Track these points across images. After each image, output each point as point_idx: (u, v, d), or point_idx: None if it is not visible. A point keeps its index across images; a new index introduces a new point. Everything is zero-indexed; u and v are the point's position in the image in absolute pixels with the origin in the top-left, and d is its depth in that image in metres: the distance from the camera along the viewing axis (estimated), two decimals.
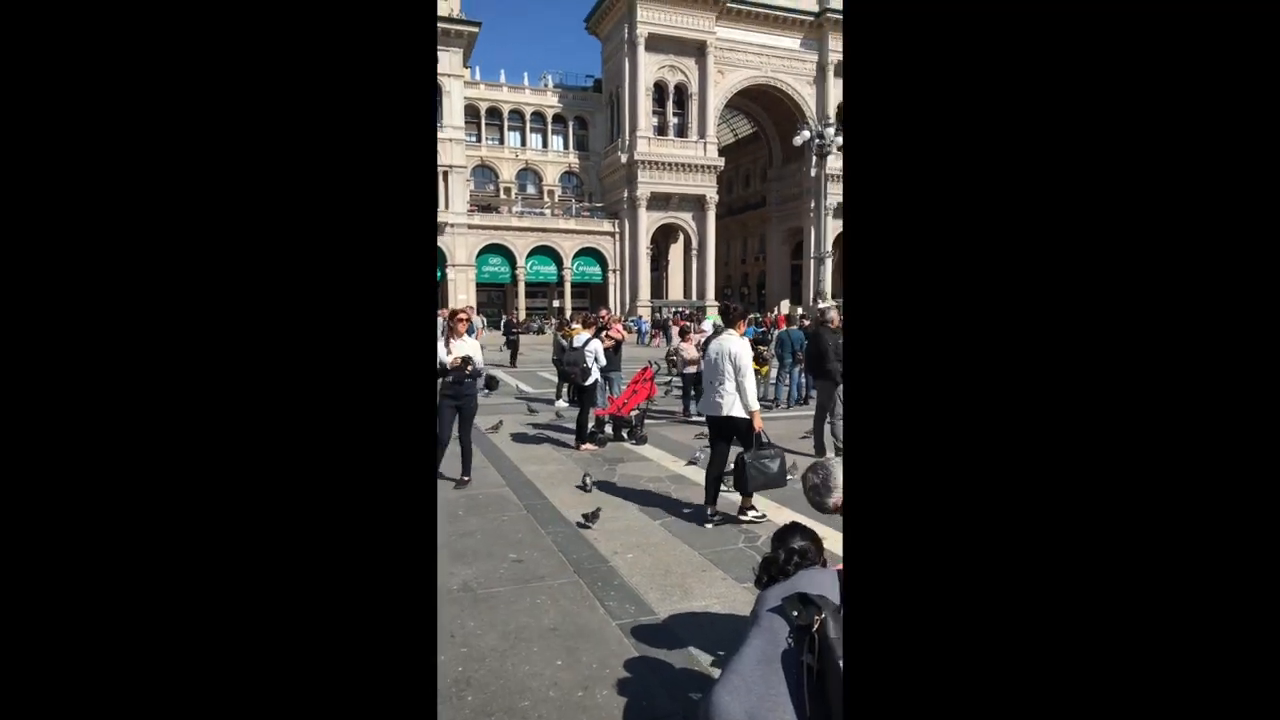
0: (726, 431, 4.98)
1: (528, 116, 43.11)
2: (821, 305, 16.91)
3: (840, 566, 1.97)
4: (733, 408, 4.79)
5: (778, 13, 41.50)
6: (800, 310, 21.79)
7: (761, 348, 11.03)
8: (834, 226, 40.69)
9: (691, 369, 9.94)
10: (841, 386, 6.99)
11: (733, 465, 4.77)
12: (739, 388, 4.76)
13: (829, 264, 24.63)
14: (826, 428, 7.02)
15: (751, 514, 4.98)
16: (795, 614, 1.74)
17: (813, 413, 7.64)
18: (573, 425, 8.03)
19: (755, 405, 4.79)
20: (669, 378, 11.83)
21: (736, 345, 4.85)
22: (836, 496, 2.25)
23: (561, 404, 10.42)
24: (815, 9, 42.23)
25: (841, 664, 1.64)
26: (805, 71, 42.92)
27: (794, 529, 2.03)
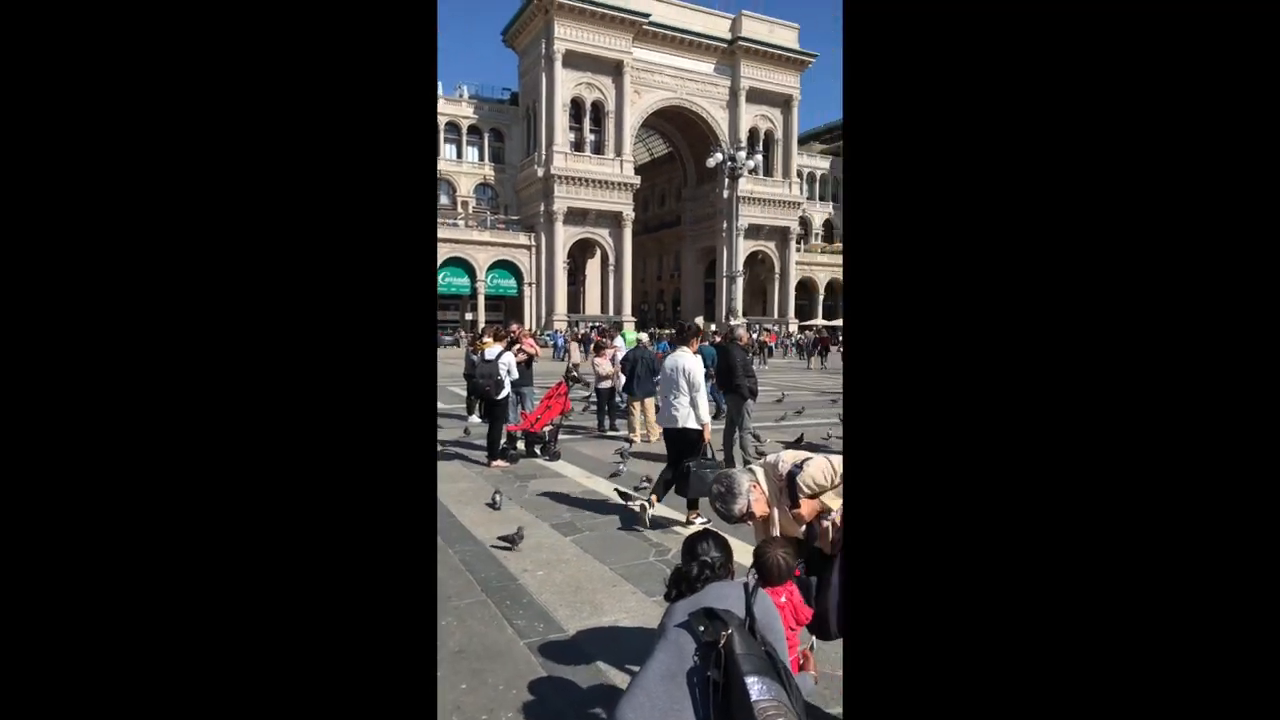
0: (680, 441, 5.32)
1: (442, 126, 42.24)
2: (733, 322, 17.34)
3: (747, 579, 2.00)
4: (687, 420, 5.19)
5: (692, 37, 42.67)
6: (713, 326, 22.26)
7: None
8: (744, 247, 41.92)
9: (606, 384, 9.94)
10: (749, 401, 7.17)
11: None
12: (692, 402, 5.15)
13: (740, 283, 25.32)
14: (735, 439, 7.17)
15: (699, 521, 5.13)
16: (701, 629, 1.75)
17: (723, 426, 7.78)
18: (483, 442, 7.85)
19: (706, 419, 5.21)
20: (586, 394, 11.78)
21: (690, 362, 5.24)
22: (741, 504, 2.30)
23: (474, 420, 10.18)
24: (728, 36, 43.66)
25: (746, 679, 1.66)
26: (718, 95, 44.24)
27: (705, 536, 2.05)
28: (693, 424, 5.17)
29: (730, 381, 7.23)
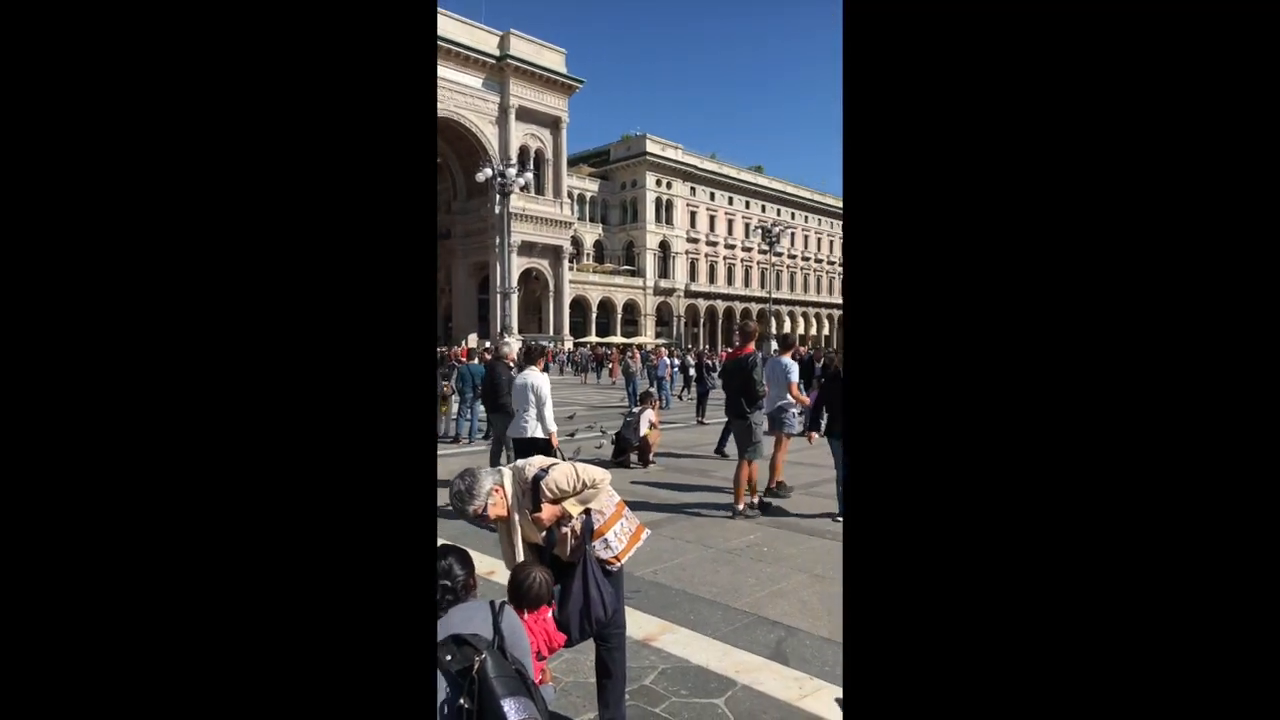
0: (529, 451, 5.66)
1: None
2: (506, 339, 17.23)
3: (501, 601, 1.97)
4: (535, 430, 5.86)
5: (459, 49, 41.92)
6: (486, 344, 21.92)
7: (443, 384, 10.74)
8: (518, 263, 41.96)
9: None
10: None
11: None
12: (539, 415, 5.84)
13: (514, 299, 25.25)
14: (502, 458, 7.11)
15: None
16: (449, 658, 1.70)
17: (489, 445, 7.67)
18: None
19: (553, 428, 5.95)
20: None
21: (538, 379, 5.94)
22: (477, 505, 2.29)
23: None
24: (497, 53, 43.59)
25: (503, 703, 1.63)
26: (488, 111, 43.93)
27: (445, 552, 1.98)
28: (540, 434, 5.83)
29: (496, 400, 7.16)
